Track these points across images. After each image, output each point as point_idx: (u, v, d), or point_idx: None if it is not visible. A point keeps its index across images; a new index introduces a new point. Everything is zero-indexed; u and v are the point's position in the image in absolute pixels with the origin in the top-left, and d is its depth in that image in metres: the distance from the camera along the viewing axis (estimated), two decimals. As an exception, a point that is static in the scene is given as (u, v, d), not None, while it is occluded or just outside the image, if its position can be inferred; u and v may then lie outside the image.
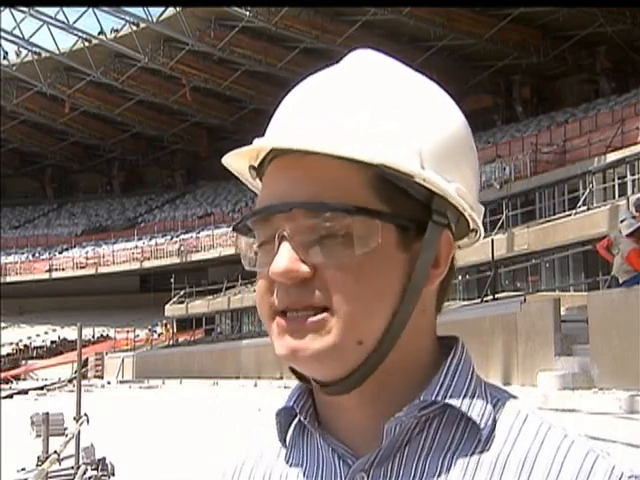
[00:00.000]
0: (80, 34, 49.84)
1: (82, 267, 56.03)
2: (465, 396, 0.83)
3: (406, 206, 0.82)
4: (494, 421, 0.83)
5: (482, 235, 0.92)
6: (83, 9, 47.75)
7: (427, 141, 0.83)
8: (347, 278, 0.80)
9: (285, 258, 0.80)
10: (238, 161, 0.89)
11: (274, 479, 0.91)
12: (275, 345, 0.83)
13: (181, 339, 43.65)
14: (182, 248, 50.33)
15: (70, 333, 45.45)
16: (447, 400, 0.83)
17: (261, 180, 0.88)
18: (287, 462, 0.91)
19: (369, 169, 0.81)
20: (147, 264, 52.59)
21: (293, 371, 0.88)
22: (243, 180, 0.92)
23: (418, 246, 0.83)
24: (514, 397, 0.87)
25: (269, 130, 0.87)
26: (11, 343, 51.23)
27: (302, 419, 0.89)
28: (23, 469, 11.60)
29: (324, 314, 0.80)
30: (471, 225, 0.89)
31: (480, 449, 0.82)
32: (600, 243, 12.56)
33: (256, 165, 0.88)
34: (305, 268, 0.80)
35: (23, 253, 60.70)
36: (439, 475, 0.82)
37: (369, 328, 0.81)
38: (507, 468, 0.80)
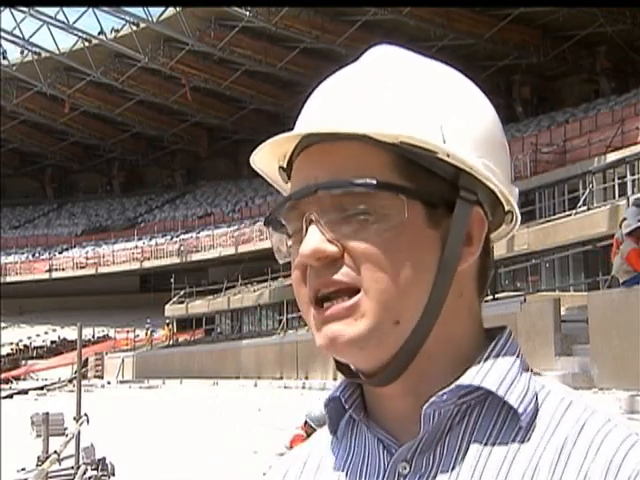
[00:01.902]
0: (80, 34, 49.82)
1: (82, 267, 56.00)
2: (503, 380, 0.82)
3: (431, 183, 0.82)
4: (536, 408, 0.83)
5: (519, 218, 0.90)
6: (83, 9, 47.77)
7: (449, 117, 0.84)
8: (376, 255, 0.80)
9: (313, 240, 0.81)
10: (266, 163, 0.90)
11: (326, 471, 0.91)
12: (315, 337, 0.83)
13: (181, 339, 43.67)
14: (182, 248, 50.31)
15: (70, 333, 45.43)
16: (483, 384, 0.82)
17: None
18: (337, 454, 0.91)
19: (391, 149, 0.81)
20: (147, 264, 52.57)
21: (339, 367, 0.88)
22: (275, 185, 0.93)
23: (448, 224, 0.83)
24: (561, 385, 0.86)
25: (296, 126, 0.88)
26: (11, 343, 51.20)
27: (347, 409, 0.89)
28: (23, 469, 11.60)
29: (356, 297, 0.80)
30: (505, 207, 0.88)
31: (520, 437, 0.81)
32: (613, 250, 12.45)
33: (285, 165, 0.89)
34: (333, 248, 0.81)
35: (23, 253, 60.68)
36: (478, 464, 0.81)
37: (404, 307, 0.81)
38: (545, 456, 0.80)
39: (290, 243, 0.86)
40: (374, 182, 0.80)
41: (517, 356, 0.86)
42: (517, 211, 0.90)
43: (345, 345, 0.81)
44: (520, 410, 0.81)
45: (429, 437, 0.82)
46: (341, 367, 0.88)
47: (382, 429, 0.86)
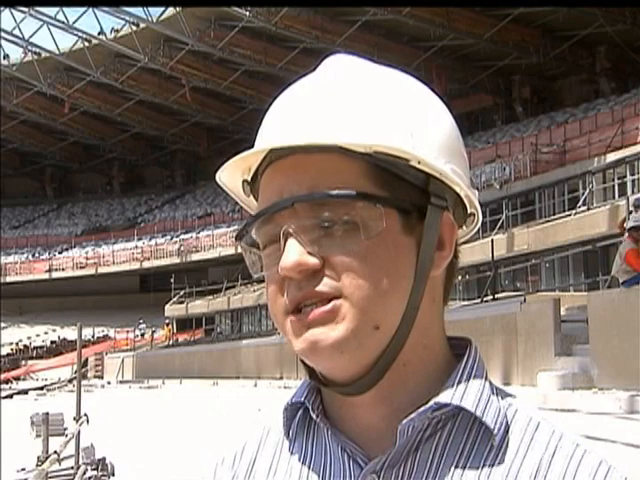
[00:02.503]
0: (80, 34, 49.85)
1: (82, 267, 56.02)
2: (479, 400, 0.83)
3: (404, 190, 0.83)
4: (507, 427, 0.83)
5: (480, 219, 0.92)
6: (83, 9, 47.79)
7: (417, 124, 0.84)
8: (356, 265, 0.80)
9: (293, 253, 0.80)
10: (231, 177, 0.89)
11: (279, 473, 0.91)
12: (293, 343, 0.83)
13: (181, 339, 43.66)
14: (182, 248, 50.33)
15: (70, 333, 45.44)
16: (462, 404, 0.82)
17: (255, 196, 0.89)
18: (291, 456, 0.91)
19: (364, 159, 0.82)
20: (147, 264, 52.59)
21: (310, 373, 0.88)
22: (237, 199, 0.92)
23: (421, 230, 0.84)
24: (525, 404, 0.87)
25: (258, 139, 0.87)
26: (11, 343, 51.22)
27: (314, 416, 0.88)
28: (23, 469, 11.59)
29: (337, 301, 0.81)
30: (469, 209, 0.90)
31: (493, 456, 0.82)
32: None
33: (249, 179, 0.89)
34: (314, 260, 0.81)
35: (23, 253, 60.69)
36: None
37: (384, 313, 0.82)
38: (520, 476, 0.81)
39: (261, 254, 0.86)
40: (354, 193, 0.80)
41: (486, 372, 0.87)
42: (480, 213, 0.91)
43: (326, 349, 0.81)
44: (495, 430, 0.82)
45: (399, 450, 0.83)
46: (313, 374, 0.88)
47: (347, 437, 0.85)
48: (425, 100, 0.87)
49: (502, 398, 0.86)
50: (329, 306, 0.81)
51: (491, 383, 0.87)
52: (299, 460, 0.90)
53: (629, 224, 11.78)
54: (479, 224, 0.93)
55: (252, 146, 0.86)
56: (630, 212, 12.29)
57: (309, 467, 0.89)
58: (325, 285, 0.81)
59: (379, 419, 0.85)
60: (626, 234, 11.84)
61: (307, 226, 0.81)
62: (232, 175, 0.89)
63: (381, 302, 0.81)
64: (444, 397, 0.83)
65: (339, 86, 0.85)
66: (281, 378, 26.39)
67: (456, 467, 0.82)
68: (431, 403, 0.82)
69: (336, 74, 0.86)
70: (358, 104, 0.83)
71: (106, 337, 49.60)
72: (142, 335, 45.76)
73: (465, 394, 0.83)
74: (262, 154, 0.85)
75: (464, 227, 0.92)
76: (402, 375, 0.84)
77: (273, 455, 0.93)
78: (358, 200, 0.80)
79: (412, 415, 0.81)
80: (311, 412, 0.88)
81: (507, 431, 0.83)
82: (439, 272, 0.86)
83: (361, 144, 0.81)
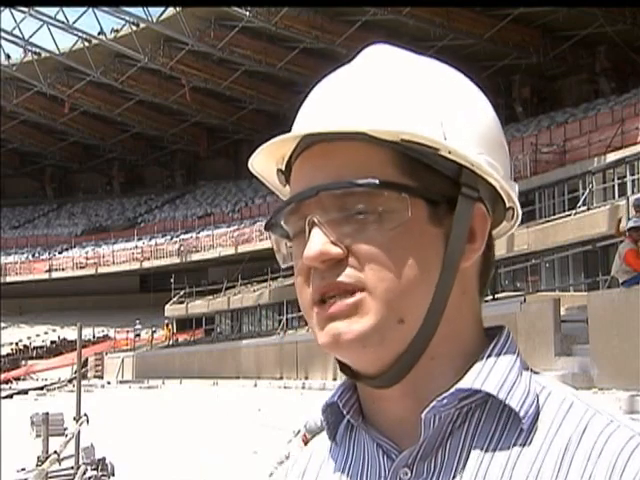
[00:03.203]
0: (80, 34, 49.83)
1: (82, 267, 55.99)
2: (504, 383, 0.81)
3: (433, 181, 0.82)
4: (537, 410, 0.81)
5: (520, 213, 0.90)
6: (83, 9, 47.78)
7: (449, 113, 0.83)
8: (380, 255, 0.79)
9: (317, 242, 0.80)
10: (264, 166, 0.89)
11: (325, 477, 0.91)
12: (317, 335, 0.82)
13: (181, 339, 43.65)
14: (182, 248, 50.30)
15: (70, 333, 45.43)
16: (483, 387, 0.81)
17: (290, 185, 0.88)
18: (336, 459, 0.91)
19: (391, 147, 0.81)
20: (147, 264, 52.56)
21: (342, 368, 0.87)
22: (272, 188, 0.92)
23: (451, 221, 0.82)
24: (562, 385, 0.85)
25: (293, 128, 0.87)
26: (11, 343, 51.21)
27: (345, 414, 0.88)
28: (23, 469, 11.61)
29: (360, 295, 0.80)
30: (507, 203, 0.88)
31: (522, 440, 0.80)
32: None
33: (283, 168, 0.88)
34: (337, 250, 0.80)
35: (23, 253, 60.66)
36: (480, 469, 0.80)
37: (409, 306, 0.81)
38: (547, 459, 0.79)
39: (291, 246, 0.85)
40: (376, 182, 0.79)
41: (516, 357, 0.85)
42: (518, 207, 0.89)
43: (348, 343, 0.80)
44: (521, 413, 0.80)
45: (430, 442, 0.81)
46: (344, 368, 0.87)
47: (381, 433, 0.85)
48: (461, 90, 0.86)
49: (535, 382, 0.84)
50: (352, 300, 0.80)
51: (523, 367, 0.84)
52: (342, 461, 0.90)
53: (629, 224, 11.78)
54: (519, 218, 0.91)
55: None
56: (620, 218, 12.26)
57: (350, 467, 0.88)
58: (347, 276, 0.80)
59: (408, 412, 0.83)
60: (626, 234, 11.85)
61: (332, 215, 0.81)
62: (266, 164, 0.89)
63: (406, 294, 0.80)
64: (466, 383, 0.81)
65: (371, 75, 0.84)
66: (281, 378, 26.38)
67: (486, 451, 0.81)
68: (452, 390, 0.81)
69: (369, 63, 0.86)
70: (388, 92, 0.82)
71: (106, 337, 49.59)
72: (138, 335, 45.73)
73: (488, 378, 0.81)
74: (294, 142, 0.85)
75: (504, 222, 0.90)
76: (430, 368, 0.83)
77: (321, 459, 0.93)
78: (383, 189, 0.79)
79: (433, 403, 0.80)
80: (342, 410, 0.88)
81: (537, 414, 0.81)
82: (469, 264, 0.84)
83: (388, 132, 0.80)
